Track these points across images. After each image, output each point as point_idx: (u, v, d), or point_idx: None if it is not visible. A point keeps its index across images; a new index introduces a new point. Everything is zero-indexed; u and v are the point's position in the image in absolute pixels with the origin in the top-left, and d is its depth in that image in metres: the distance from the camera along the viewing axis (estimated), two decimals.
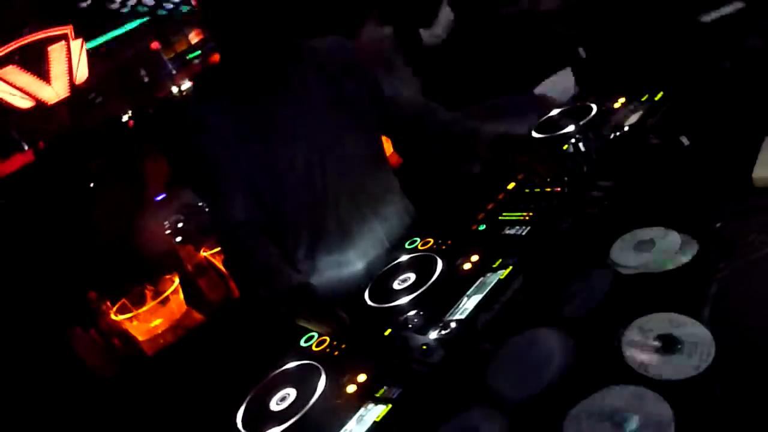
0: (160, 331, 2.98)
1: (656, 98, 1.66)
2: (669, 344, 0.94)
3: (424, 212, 1.96)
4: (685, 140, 1.48)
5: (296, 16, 1.76)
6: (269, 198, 1.63)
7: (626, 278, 1.15)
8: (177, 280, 3.07)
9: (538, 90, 2.69)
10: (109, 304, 3.17)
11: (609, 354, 0.97)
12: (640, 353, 0.95)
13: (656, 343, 0.95)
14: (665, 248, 1.16)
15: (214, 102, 1.62)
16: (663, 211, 1.28)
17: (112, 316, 3.05)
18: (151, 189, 4.90)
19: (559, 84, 2.62)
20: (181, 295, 3.07)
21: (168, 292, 2.98)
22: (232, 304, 2.97)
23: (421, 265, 1.42)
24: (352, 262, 1.69)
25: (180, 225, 3.83)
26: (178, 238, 3.71)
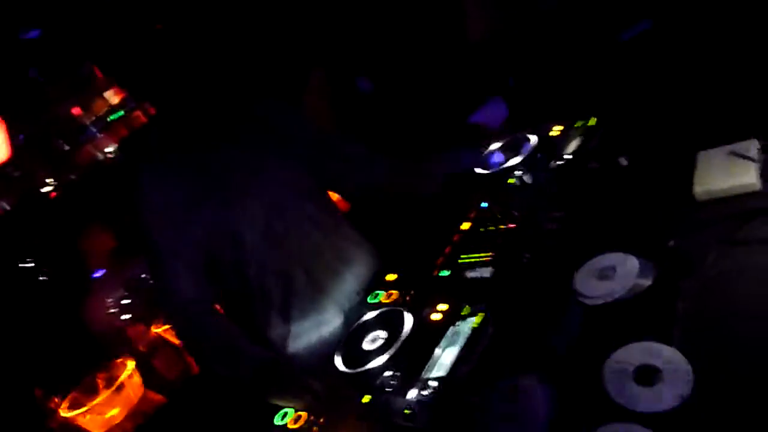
0: (117, 422, 2.79)
1: (590, 123, 1.72)
2: (649, 375, 0.95)
3: (383, 256, 1.94)
4: (623, 161, 1.53)
5: (242, 77, 1.75)
6: (230, 264, 1.57)
7: (593, 309, 1.16)
8: (131, 364, 2.90)
9: (473, 119, 2.76)
10: (57, 400, 2.95)
11: (594, 393, 0.97)
12: (622, 388, 0.95)
13: (636, 376, 0.96)
14: (626, 274, 1.18)
15: (157, 172, 1.55)
16: (616, 234, 1.31)
17: (63, 413, 2.83)
18: (88, 265, 4.67)
19: (492, 112, 2.71)
20: (137, 378, 2.90)
21: (122, 378, 2.80)
22: (192, 381, 2.83)
23: (389, 321, 1.39)
24: (329, 318, 1.65)
25: (125, 301, 3.65)
26: (126, 316, 3.53)
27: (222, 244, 1.55)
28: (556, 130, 1.81)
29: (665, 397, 0.91)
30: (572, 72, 2.18)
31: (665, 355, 0.97)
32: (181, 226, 1.52)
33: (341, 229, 1.75)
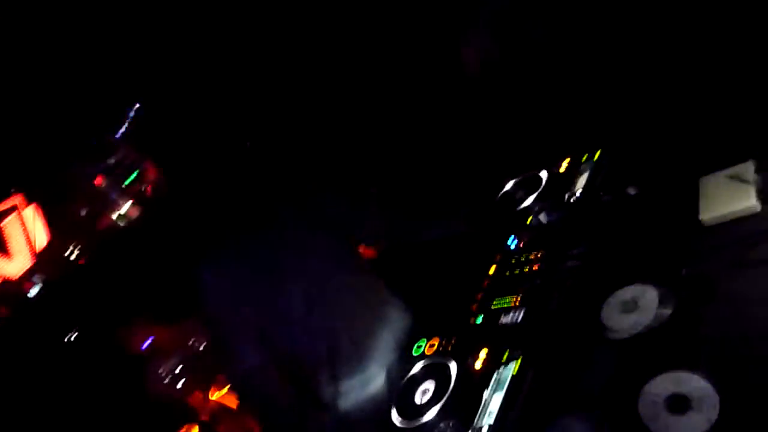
0: None
1: (596, 157, 1.82)
2: (680, 403, 1.04)
3: (412, 301, 2.06)
4: (632, 191, 1.63)
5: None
6: (281, 335, 1.72)
7: (623, 342, 1.25)
8: (196, 430, 3.04)
9: None
10: None
11: (633, 425, 1.06)
12: (657, 419, 1.04)
13: (669, 405, 1.05)
14: (647, 305, 1.27)
15: (212, 258, 1.74)
16: (635, 265, 1.41)
17: None
18: (134, 337, 4.82)
19: None
20: None
21: None
22: None
23: (436, 372, 1.50)
24: (373, 375, 1.77)
25: (179, 369, 3.80)
26: (180, 384, 3.68)
27: (269, 319, 1.71)
28: (564, 165, 1.92)
29: (696, 423, 1.00)
30: (570, 101, 2.29)
31: (693, 384, 1.06)
32: (235, 305, 1.68)
33: (375, 290, 1.88)
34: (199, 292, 1.74)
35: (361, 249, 2.29)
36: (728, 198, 1.35)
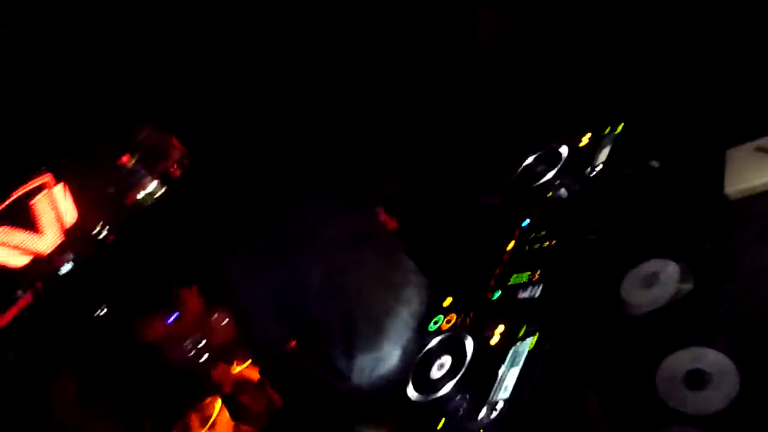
0: None
1: (618, 130, 1.78)
2: (698, 379, 1.02)
3: (433, 276, 2.05)
4: (655, 164, 1.59)
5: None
6: (298, 308, 1.74)
7: (642, 317, 1.24)
8: (219, 402, 3.11)
9: None
10: None
11: (648, 400, 1.05)
12: (675, 394, 1.03)
13: (687, 381, 1.03)
14: (668, 280, 1.25)
15: (234, 228, 1.76)
16: (656, 240, 1.38)
17: None
18: (160, 311, 4.91)
19: None
20: (226, 415, 3.11)
21: (214, 416, 3.02)
22: (278, 414, 3.01)
23: (453, 347, 1.49)
24: (389, 354, 1.77)
25: (202, 343, 3.87)
26: (205, 357, 3.75)
27: (288, 291, 1.72)
28: (585, 138, 1.88)
29: (715, 399, 0.99)
30: (592, 74, 2.23)
31: (712, 359, 1.04)
32: (258, 275, 1.70)
33: (397, 266, 1.87)
34: (219, 268, 1.77)
35: (383, 218, 2.29)
36: (756, 170, 1.31)
